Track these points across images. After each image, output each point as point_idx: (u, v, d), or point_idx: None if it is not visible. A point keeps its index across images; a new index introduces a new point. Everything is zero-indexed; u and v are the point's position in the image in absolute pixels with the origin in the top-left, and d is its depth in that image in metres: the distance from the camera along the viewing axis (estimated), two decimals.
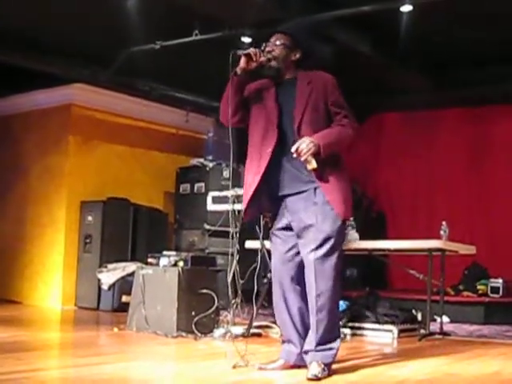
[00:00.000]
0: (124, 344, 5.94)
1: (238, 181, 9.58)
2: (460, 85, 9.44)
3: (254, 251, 6.54)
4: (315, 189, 4.32)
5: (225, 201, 6.22)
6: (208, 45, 7.87)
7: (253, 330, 6.15)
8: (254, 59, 4.37)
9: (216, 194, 6.43)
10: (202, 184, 9.74)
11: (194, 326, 6.07)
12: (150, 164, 10.21)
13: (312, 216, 4.30)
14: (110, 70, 8.75)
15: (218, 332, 6.11)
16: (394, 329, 6.45)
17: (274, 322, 6.41)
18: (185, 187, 10.06)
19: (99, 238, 9.13)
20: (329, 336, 4.29)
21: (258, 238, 6.32)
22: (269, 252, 6.30)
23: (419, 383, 4.21)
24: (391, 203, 11.02)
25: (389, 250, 7.15)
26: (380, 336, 6.47)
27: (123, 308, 7.60)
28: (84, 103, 9.58)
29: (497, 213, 10.01)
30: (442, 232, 6.59)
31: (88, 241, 9.21)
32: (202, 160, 10.07)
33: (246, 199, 4.55)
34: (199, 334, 6.00)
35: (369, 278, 9.29)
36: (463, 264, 9.06)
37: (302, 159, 4.18)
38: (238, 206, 6.08)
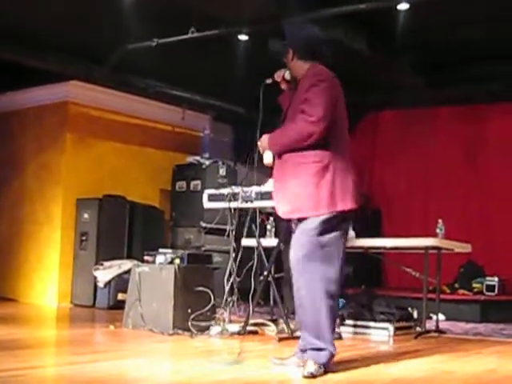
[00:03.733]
0: (120, 342, 5.94)
1: (234, 179, 9.63)
2: (456, 83, 9.45)
3: (251, 249, 6.59)
4: None
5: (221, 198, 6.21)
6: (205, 42, 7.87)
7: (249, 328, 6.14)
8: (278, 80, 4.75)
9: (212, 191, 6.42)
10: (198, 182, 9.74)
11: (190, 324, 6.07)
12: (147, 161, 10.21)
13: None
14: (107, 67, 8.74)
15: (214, 329, 6.11)
16: (390, 327, 6.46)
17: (271, 320, 6.44)
18: (181, 185, 10.06)
19: (95, 235, 9.13)
20: (316, 334, 4.27)
21: (254, 236, 6.37)
22: (265, 250, 6.33)
23: (415, 381, 4.22)
24: (387, 201, 11.03)
25: (385, 248, 7.17)
26: (376, 334, 6.48)
27: (119, 306, 7.61)
28: (80, 100, 9.57)
29: (492, 211, 10.02)
30: (437, 230, 6.61)
31: (84, 238, 9.20)
32: (198, 158, 10.07)
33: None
34: (195, 332, 6.00)
35: (364, 275, 9.29)
36: (459, 262, 9.08)
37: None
38: (234, 204, 6.09)
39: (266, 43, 8.09)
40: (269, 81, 4.81)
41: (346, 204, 4.31)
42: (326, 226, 4.27)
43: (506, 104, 9.82)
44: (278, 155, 4.50)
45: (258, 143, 4.62)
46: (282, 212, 4.46)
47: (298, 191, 4.32)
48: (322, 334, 4.26)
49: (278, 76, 4.73)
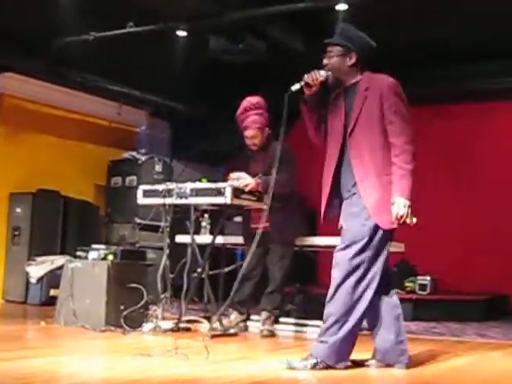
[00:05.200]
0: (51, 338, 5.86)
1: (170, 175, 9.59)
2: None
3: (186, 246, 6.57)
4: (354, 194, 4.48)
5: (156, 194, 6.17)
6: (143, 37, 7.81)
7: (182, 325, 6.13)
8: (312, 83, 4.47)
9: (147, 187, 6.37)
10: (134, 177, 9.67)
11: (122, 320, 6.02)
12: (82, 156, 10.07)
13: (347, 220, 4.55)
14: (44, 60, 8.60)
15: (146, 326, 6.07)
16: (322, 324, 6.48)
17: (204, 317, 6.43)
18: (116, 180, 9.98)
19: (28, 230, 8.97)
20: None
21: (188, 233, 6.34)
22: (199, 247, 6.32)
23: (343, 377, 4.25)
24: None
25: (319, 247, 7.21)
26: (310, 332, 6.51)
27: (51, 302, 7.49)
28: (15, 93, 9.39)
29: (425, 211, 10.10)
30: None
31: (17, 233, 9.05)
32: (134, 153, 10.00)
33: (324, 200, 4.70)
34: (128, 328, 5.96)
35: (299, 274, 9.33)
36: (392, 261, 9.12)
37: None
38: (168, 200, 6.06)
39: (204, 40, 8.16)
40: (296, 87, 4.52)
41: None
42: None
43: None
44: None
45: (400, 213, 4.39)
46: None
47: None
48: None
49: (313, 79, 4.48)
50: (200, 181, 6.08)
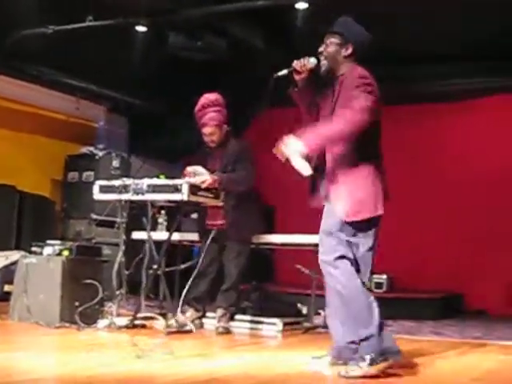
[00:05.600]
0: (5, 334, 5.77)
1: (127, 171, 9.53)
2: None
3: (142, 242, 6.54)
4: None
5: (112, 190, 6.11)
6: (102, 32, 7.75)
7: (137, 322, 6.09)
8: (301, 70, 4.41)
9: (103, 183, 6.31)
10: (91, 173, 9.57)
11: (77, 317, 5.97)
12: (38, 151, 9.95)
13: None
14: (0, 52, 8.49)
15: (101, 323, 6.03)
16: (279, 322, 6.51)
17: (160, 314, 6.41)
18: (73, 175, 9.87)
19: None
20: None
21: (144, 229, 6.31)
22: (155, 243, 6.29)
23: (301, 374, 4.27)
24: (281, 197, 11.11)
25: (276, 244, 7.23)
26: (265, 329, 6.53)
27: (5, 298, 7.38)
28: None
29: (384, 211, 10.23)
30: None
31: None
32: (91, 148, 9.92)
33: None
34: (82, 325, 5.90)
35: (256, 272, 9.34)
36: None
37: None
38: (125, 196, 6.01)
39: (164, 36, 8.12)
40: (283, 72, 4.43)
41: None
42: None
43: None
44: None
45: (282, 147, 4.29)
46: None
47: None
48: None
49: (301, 65, 4.41)
50: (158, 177, 6.05)
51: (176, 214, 6.33)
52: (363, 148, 4.33)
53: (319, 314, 7.00)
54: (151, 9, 7.46)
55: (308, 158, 4.22)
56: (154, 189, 5.86)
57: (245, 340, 6.01)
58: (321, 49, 4.48)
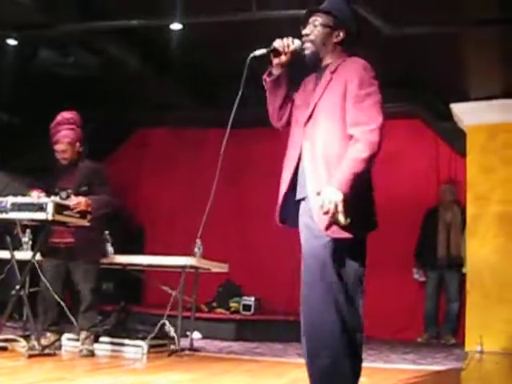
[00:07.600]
0: None
1: None
2: (228, 105, 9.61)
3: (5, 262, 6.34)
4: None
5: None
6: None
7: None
8: (282, 51, 3.74)
9: None
10: None
11: None
12: None
13: None
14: None
15: None
16: (144, 344, 6.44)
17: (23, 336, 6.21)
18: None
19: None
20: None
21: (7, 248, 6.12)
22: (18, 263, 6.09)
23: None
24: (151, 219, 11.05)
25: (143, 266, 7.19)
26: (130, 351, 6.43)
27: None
28: None
29: (251, 232, 10.34)
30: (196, 249, 6.71)
31: None
32: None
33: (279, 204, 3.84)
34: None
35: (125, 292, 9.24)
36: (218, 281, 9.28)
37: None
38: None
39: (35, 51, 7.95)
40: (261, 51, 3.74)
41: None
42: None
43: (267, 129, 10.14)
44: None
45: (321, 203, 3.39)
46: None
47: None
48: None
49: (284, 46, 3.72)
50: (25, 195, 5.88)
51: (41, 234, 6.16)
52: None
53: (186, 336, 6.98)
54: (21, 22, 7.29)
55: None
56: (19, 207, 5.69)
57: (109, 363, 5.90)
58: (306, 30, 3.76)
